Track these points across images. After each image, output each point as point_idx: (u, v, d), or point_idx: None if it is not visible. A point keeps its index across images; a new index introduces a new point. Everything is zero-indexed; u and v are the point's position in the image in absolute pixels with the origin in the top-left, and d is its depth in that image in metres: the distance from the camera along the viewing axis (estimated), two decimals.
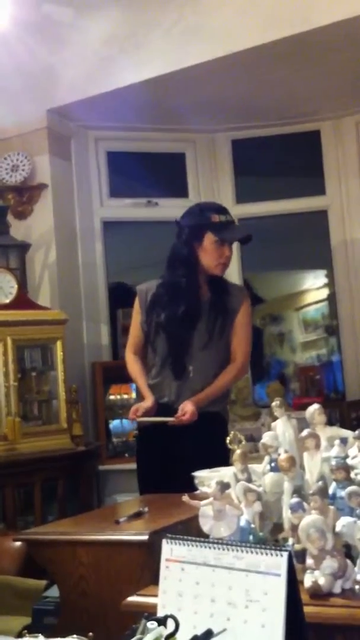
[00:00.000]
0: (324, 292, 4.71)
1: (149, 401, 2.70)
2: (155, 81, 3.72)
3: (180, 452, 2.62)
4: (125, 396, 4.01)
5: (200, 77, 3.69)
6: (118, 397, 4.07)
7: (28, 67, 3.81)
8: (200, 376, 2.73)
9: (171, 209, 4.42)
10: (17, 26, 3.57)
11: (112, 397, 4.07)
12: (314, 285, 4.92)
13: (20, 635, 1.14)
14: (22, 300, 3.62)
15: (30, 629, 1.33)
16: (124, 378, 3.88)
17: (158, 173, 4.46)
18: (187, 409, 2.63)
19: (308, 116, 4.31)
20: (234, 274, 4.39)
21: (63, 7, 3.67)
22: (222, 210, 2.85)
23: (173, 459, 2.64)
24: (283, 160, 4.51)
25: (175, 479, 2.46)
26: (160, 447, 2.69)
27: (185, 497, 1.63)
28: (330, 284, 4.51)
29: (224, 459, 2.53)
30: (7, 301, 3.57)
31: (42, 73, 3.86)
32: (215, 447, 2.52)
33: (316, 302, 4.86)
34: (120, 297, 4.30)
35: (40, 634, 1.10)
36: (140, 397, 2.80)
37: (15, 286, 3.60)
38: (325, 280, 4.68)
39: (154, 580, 1.24)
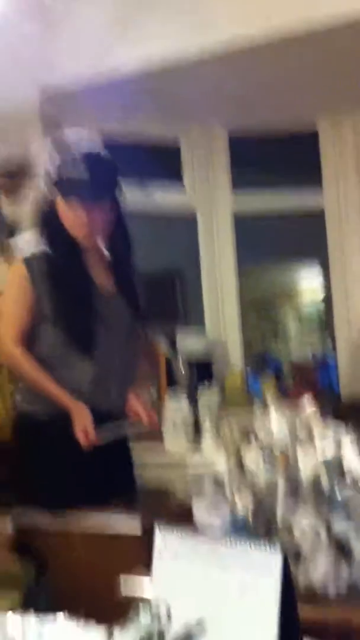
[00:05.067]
0: (320, 289, 4.72)
1: (82, 410, 2.10)
2: (152, 69, 3.68)
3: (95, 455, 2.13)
4: None
5: (198, 67, 3.66)
6: None
7: (21, 51, 3.77)
8: (116, 370, 2.24)
9: (167, 201, 4.42)
10: (10, 9, 3.53)
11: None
12: (309, 282, 4.92)
13: (13, 611, 1.15)
14: None
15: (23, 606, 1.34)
16: None
17: (153, 163, 4.44)
18: (151, 412, 2.24)
19: (307, 114, 4.29)
20: (228, 267, 4.40)
21: None
22: (76, 161, 2.15)
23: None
24: (280, 159, 4.50)
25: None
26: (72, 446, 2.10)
27: (180, 489, 1.64)
28: (326, 281, 4.52)
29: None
30: None
31: (36, 58, 3.81)
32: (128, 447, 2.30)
33: (312, 299, 4.87)
34: None
35: (33, 611, 1.11)
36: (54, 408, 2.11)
37: None
38: (321, 276, 4.69)
39: (147, 571, 1.24)
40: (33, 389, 2.12)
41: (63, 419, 2.06)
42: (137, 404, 2.24)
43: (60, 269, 2.18)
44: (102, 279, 2.26)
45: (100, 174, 2.17)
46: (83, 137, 2.26)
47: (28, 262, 2.18)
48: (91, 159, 2.17)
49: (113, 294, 2.26)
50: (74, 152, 2.16)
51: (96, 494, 1.99)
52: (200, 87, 3.87)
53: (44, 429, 2.09)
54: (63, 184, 2.15)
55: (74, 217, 2.16)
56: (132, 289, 2.31)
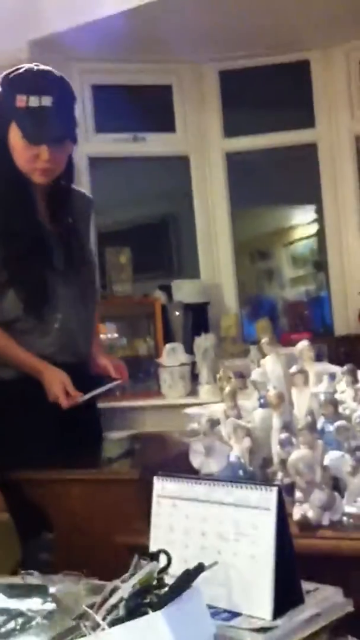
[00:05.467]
0: (313, 228, 4.68)
1: (57, 372, 1.93)
2: (140, 10, 3.59)
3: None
4: (116, 335, 4.00)
5: (186, 5, 3.57)
6: (109, 335, 4.06)
7: (7, 3, 3.68)
8: (80, 321, 2.05)
9: (158, 143, 4.36)
10: None
11: (101, 336, 4.06)
12: (303, 221, 4.89)
13: (14, 572, 1.16)
14: None
15: (24, 565, 1.36)
16: (114, 317, 3.89)
17: (144, 106, 4.37)
18: (119, 365, 2.11)
19: (297, 45, 4.19)
20: (221, 209, 4.36)
21: None
22: (37, 85, 1.90)
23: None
24: (272, 92, 4.41)
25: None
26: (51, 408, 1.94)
27: (177, 434, 1.65)
28: (319, 219, 4.49)
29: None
30: None
31: (22, 3, 3.73)
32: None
33: (305, 238, 4.84)
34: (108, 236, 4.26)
35: (34, 571, 1.12)
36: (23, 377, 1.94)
37: None
38: (314, 215, 4.65)
39: (146, 516, 1.26)
40: None
41: (26, 381, 1.94)
42: (103, 359, 2.11)
43: (11, 215, 1.94)
44: (48, 221, 2.03)
45: (64, 101, 1.93)
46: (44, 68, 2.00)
47: None
48: (55, 83, 1.94)
49: (59, 236, 2.03)
50: (34, 74, 1.94)
51: (70, 452, 1.88)
52: (187, 24, 3.78)
53: (8, 391, 1.95)
54: (18, 111, 1.87)
55: (29, 151, 1.90)
56: (74, 229, 2.07)
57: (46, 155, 1.90)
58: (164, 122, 4.36)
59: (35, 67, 1.98)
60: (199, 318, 4.01)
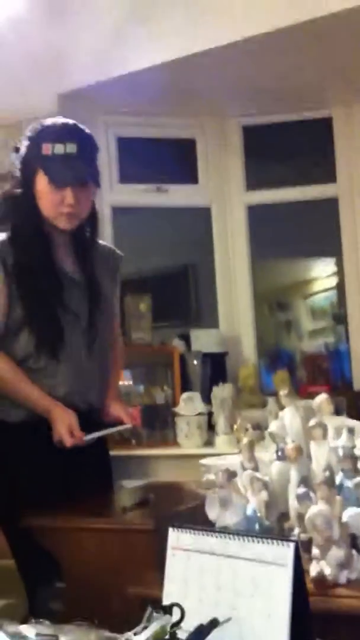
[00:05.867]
0: (333, 281, 4.70)
1: (64, 410, 1.96)
2: (167, 66, 3.69)
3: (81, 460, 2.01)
4: (132, 383, 4.00)
5: (212, 62, 3.66)
6: (126, 383, 4.06)
7: (38, 51, 3.79)
8: (92, 366, 2.09)
9: (180, 195, 4.43)
10: (26, 9, 3.54)
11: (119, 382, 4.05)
12: (322, 273, 4.91)
13: (24, 621, 1.15)
14: None
15: (35, 614, 1.34)
16: (132, 365, 3.89)
17: (168, 159, 4.45)
18: (132, 412, 2.22)
19: (320, 102, 4.27)
20: (241, 261, 4.39)
21: None
22: (61, 135, 2.00)
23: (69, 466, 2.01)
24: (294, 147, 4.48)
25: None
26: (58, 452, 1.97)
27: (192, 484, 1.63)
28: (340, 272, 4.50)
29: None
30: None
31: (52, 57, 3.84)
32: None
33: (325, 290, 4.85)
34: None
35: (45, 620, 1.11)
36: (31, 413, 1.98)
37: None
38: (334, 268, 4.67)
39: (160, 567, 1.24)
40: (6, 393, 1.99)
41: (33, 424, 1.97)
42: (117, 408, 2.12)
43: (31, 261, 2.01)
44: (68, 265, 2.09)
45: (87, 149, 2.04)
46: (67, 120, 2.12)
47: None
48: (78, 133, 2.06)
49: (79, 283, 2.08)
50: (58, 125, 2.05)
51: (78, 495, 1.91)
52: (213, 80, 3.86)
53: (16, 434, 1.99)
54: (44, 158, 1.97)
55: (55, 195, 1.98)
56: (96, 279, 2.12)
57: (70, 199, 1.98)
58: (187, 173, 4.44)
59: (60, 119, 2.11)
60: (217, 368, 4.00)
